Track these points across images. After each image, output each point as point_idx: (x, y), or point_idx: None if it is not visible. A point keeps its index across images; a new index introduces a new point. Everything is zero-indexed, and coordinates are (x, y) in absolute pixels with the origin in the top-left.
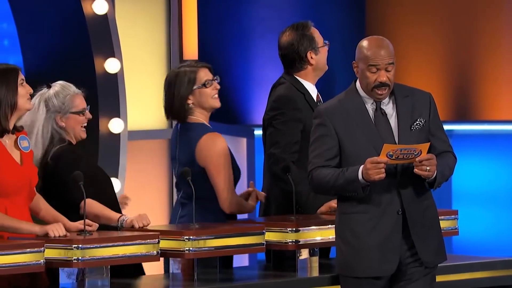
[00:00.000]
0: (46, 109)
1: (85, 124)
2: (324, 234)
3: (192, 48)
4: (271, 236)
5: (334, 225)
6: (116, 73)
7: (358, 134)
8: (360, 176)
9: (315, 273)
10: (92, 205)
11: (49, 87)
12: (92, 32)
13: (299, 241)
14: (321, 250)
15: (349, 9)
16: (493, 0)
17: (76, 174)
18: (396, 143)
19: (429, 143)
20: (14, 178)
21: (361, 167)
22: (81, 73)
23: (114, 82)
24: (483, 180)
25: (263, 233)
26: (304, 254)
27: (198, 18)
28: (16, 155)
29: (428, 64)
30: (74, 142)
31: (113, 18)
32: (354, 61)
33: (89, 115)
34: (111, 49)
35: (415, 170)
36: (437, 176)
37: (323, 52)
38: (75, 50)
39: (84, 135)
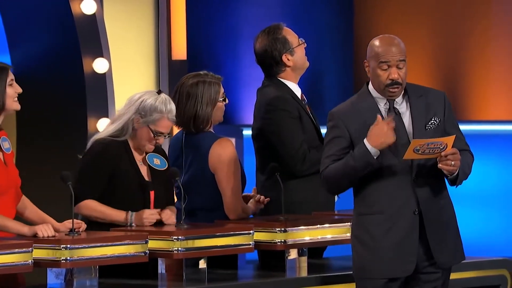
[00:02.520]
0: (136, 105)
1: (153, 145)
2: (313, 234)
3: (181, 48)
4: (259, 236)
5: (323, 225)
6: (104, 73)
7: None
8: (368, 146)
9: (304, 273)
10: (92, 207)
11: (159, 92)
12: (80, 32)
13: (288, 241)
14: (314, 250)
15: (338, 10)
16: (481, 1)
17: (64, 174)
18: (410, 143)
19: (454, 136)
20: (1, 178)
21: (365, 140)
22: (69, 73)
23: (103, 82)
24: (472, 180)
25: (251, 233)
26: (293, 254)
27: (186, 18)
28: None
29: (416, 64)
30: (134, 146)
31: (102, 18)
32: (365, 60)
33: (161, 141)
34: (100, 49)
35: (439, 165)
36: (459, 173)
37: (300, 51)
38: (63, 50)
39: (148, 150)
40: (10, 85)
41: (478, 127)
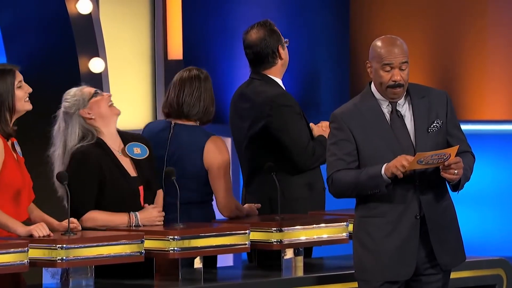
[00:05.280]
0: (68, 117)
1: (111, 103)
2: (309, 234)
3: (177, 48)
4: (255, 236)
5: (319, 225)
6: (100, 73)
7: (374, 137)
8: (382, 171)
9: (300, 272)
10: (95, 218)
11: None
12: (76, 32)
13: (284, 241)
14: (303, 250)
15: (334, 10)
16: (478, 2)
17: (61, 174)
18: (413, 146)
19: (457, 146)
20: (18, 176)
21: (385, 164)
22: (65, 72)
23: (99, 81)
24: None
25: (247, 233)
26: (289, 253)
27: (182, 17)
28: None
29: (413, 65)
30: (105, 133)
31: (98, 17)
32: (367, 61)
33: (105, 94)
34: (96, 48)
35: (442, 173)
36: (461, 179)
37: (286, 49)
38: (59, 49)
39: (117, 111)
40: (19, 87)
41: (474, 126)
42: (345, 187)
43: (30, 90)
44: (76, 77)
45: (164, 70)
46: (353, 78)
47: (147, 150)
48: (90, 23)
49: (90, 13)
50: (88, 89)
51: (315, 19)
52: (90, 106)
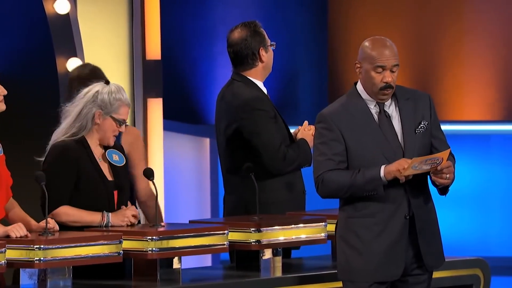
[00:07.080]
0: (92, 99)
1: (116, 134)
2: (287, 234)
3: (155, 48)
4: (234, 236)
5: (297, 225)
6: None
7: (364, 137)
8: (382, 174)
9: (278, 273)
10: (68, 212)
11: (107, 82)
12: (54, 32)
13: (262, 241)
14: (283, 250)
15: (312, 11)
16: (455, 5)
17: (38, 174)
18: (401, 147)
19: (449, 150)
20: None
21: (383, 166)
22: (43, 73)
23: None
24: None
25: (226, 233)
26: (267, 254)
27: (161, 18)
28: None
29: None
30: (93, 139)
31: (75, 17)
32: (356, 62)
33: (123, 129)
34: (73, 49)
35: (434, 178)
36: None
37: (271, 52)
38: (36, 50)
39: (111, 143)
40: None
41: (451, 127)
42: (338, 189)
43: (5, 92)
44: (54, 77)
45: (142, 70)
46: (331, 78)
47: (124, 159)
48: (67, 23)
49: (68, 13)
50: (125, 111)
51: (294, 20)
52: (105, 119)
